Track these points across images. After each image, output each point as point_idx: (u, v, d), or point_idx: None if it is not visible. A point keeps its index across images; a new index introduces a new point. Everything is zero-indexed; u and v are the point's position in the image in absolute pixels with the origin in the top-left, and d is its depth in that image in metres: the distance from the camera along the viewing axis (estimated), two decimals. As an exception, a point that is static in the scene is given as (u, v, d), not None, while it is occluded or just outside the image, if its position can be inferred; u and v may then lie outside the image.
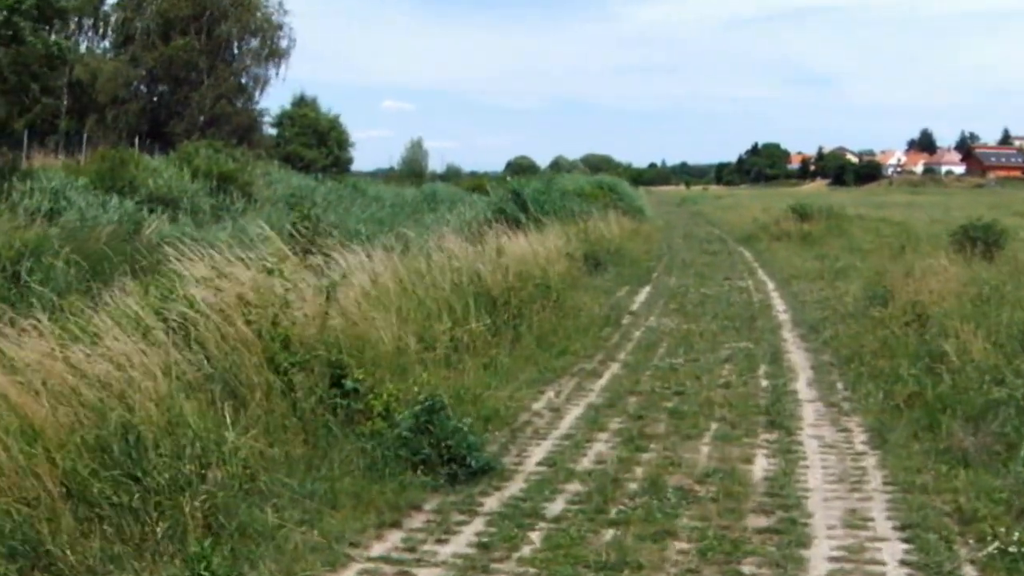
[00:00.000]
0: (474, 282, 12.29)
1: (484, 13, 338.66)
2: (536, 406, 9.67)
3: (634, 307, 16.57)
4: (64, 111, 45.96)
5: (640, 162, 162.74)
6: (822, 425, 8.94)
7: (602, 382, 10.83)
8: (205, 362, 7.46)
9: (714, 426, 8.85)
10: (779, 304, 16.93)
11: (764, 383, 10.71)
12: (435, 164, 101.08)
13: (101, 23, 47.64)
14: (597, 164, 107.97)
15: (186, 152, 37.57)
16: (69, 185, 28.05)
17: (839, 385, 10.55)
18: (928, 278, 13.71)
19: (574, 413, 9.41)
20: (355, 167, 78.44)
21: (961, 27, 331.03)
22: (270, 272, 8.72)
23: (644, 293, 18.44)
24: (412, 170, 65.79)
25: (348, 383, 8.00)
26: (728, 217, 43.27)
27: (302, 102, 51.09)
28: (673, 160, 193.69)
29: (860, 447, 8.21)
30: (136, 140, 41.22)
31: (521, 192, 28.43)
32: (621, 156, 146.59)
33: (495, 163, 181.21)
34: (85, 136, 41.11)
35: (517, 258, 15.72)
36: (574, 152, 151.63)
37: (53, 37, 28.09)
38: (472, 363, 10.52)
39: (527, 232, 21.15)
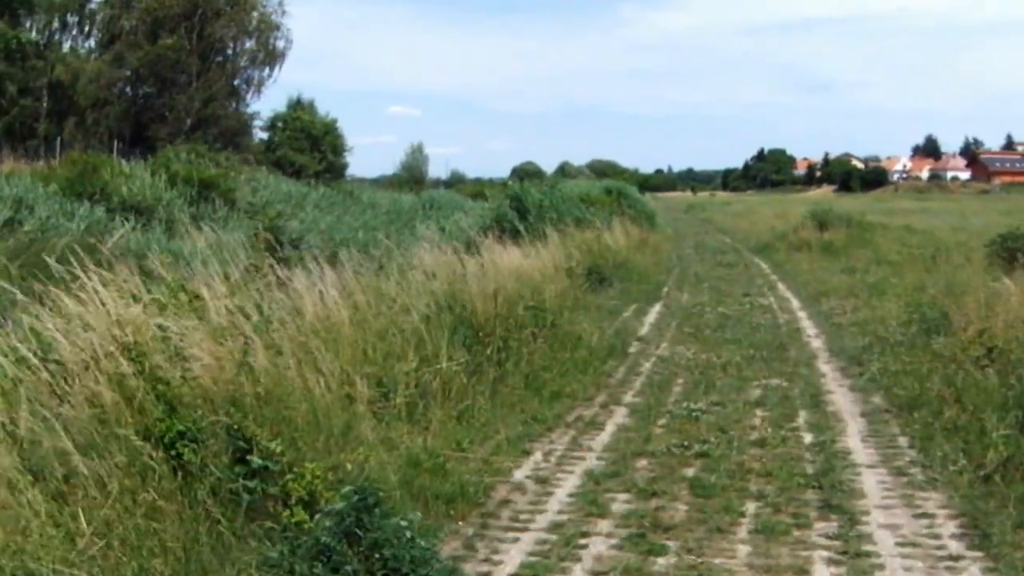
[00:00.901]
0: (453, 308, 10.09)
1: (492, 18, 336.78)
2: (518, 474, 7.46)
3: (643, 331, 14.34)
4: (44, 114, 43.94)
5: (646, 168, 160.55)
6: (894, 507, 6.71)
7: (604, 437, 8.61)
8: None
9: (751, 508, 6.64)
10: (809, 327, 14.71)
11: (807, 438, 8.49)
12: (439, 170, 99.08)
13: (87, 21, 45.54)
14: (603, 170, 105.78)
15: (165, 157, 35.52)
16: (32, 192, 26.05)
17: (903, 442, 8.32)
18: (990, 300, 11.49)
19: (567, 487, 7.19)
20: (362, 173, 76.82)
21: (965, 34, 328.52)
22: (162, 307, 6.59)
23: (654, 313, 16.22)
24: (412, 176, 63.62)
25: (255, 459, 5.84)
26: (740, 225, 40.99)
27: (298, 105, 48.98)
28: (679, 166, 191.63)
29: (954, 545, 5.99)
30: (115, 144, 39.16)
31: (522, 198, 26.28)
32: (627, 162, 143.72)
33: (501, 169, 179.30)
34: (59, 140, 39.07)
35: (509, 275, 13.58)
36: (580, 158, 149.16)
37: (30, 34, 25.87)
38: (442, 413, 8.34)
39: (526, 243, 19.05)
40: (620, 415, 9.41)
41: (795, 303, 17.44)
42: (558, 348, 11.40)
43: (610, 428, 8.92)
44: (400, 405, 8.12)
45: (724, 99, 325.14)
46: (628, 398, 10.12)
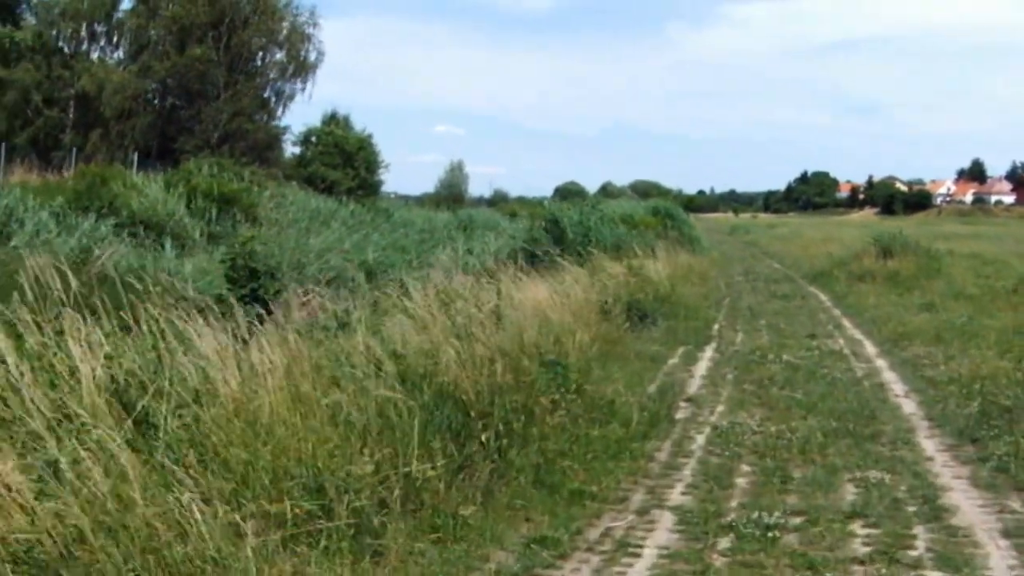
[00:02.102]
0: (432, 378, 7.28)
1: (537, 37, 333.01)
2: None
3: (693, 388, 11.45)
4: (70, 125, 41.87)
5: (688, 189, 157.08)
6: None
7: (640, 570, 5.82)
8: None
9: None
10: (895, 383, 11.75)
11: (940, 587, 5.65)
12: (482, 188, 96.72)
13: (115, 31, 43.46)
14: (646, 190, 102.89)
15: (185, 170, 33.18)
16: (23, 204, 23.72)
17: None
18: None
19: None
20: (407, 191, 74.52)
21: (1016, 55, 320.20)
22: None
23: (706, 360, 13.31)
24: (451, 194, 61.09)
25: None
26: (789, 249, 37.81)
27: (333, 120, 46.63)
28: (721, 187, 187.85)
29: None
30: (135, 156, 36.88)
31: (559, 220, 23.51)
32: (669, 183, 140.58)
33: (544, 188, 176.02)
34: (75, 151, 36.88)
35: (530, 317, 10.84)
36: (623, 178, 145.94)
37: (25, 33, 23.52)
38: (405, 541, 5.60)
39: (560, 270, 16.31)
40: (664, 529, 6.57)
41: (870, 348, 14.48)
42: (584, 422, 8.57)
43: (650, 554, 6.09)
44: (344, 529, 5.37)
45: (767, 120, 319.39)
46: (675, 497, 7.27)
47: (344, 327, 11.14)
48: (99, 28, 43.23)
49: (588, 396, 9.31)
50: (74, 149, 40.42)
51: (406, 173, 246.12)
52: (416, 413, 6.38)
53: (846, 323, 17.29)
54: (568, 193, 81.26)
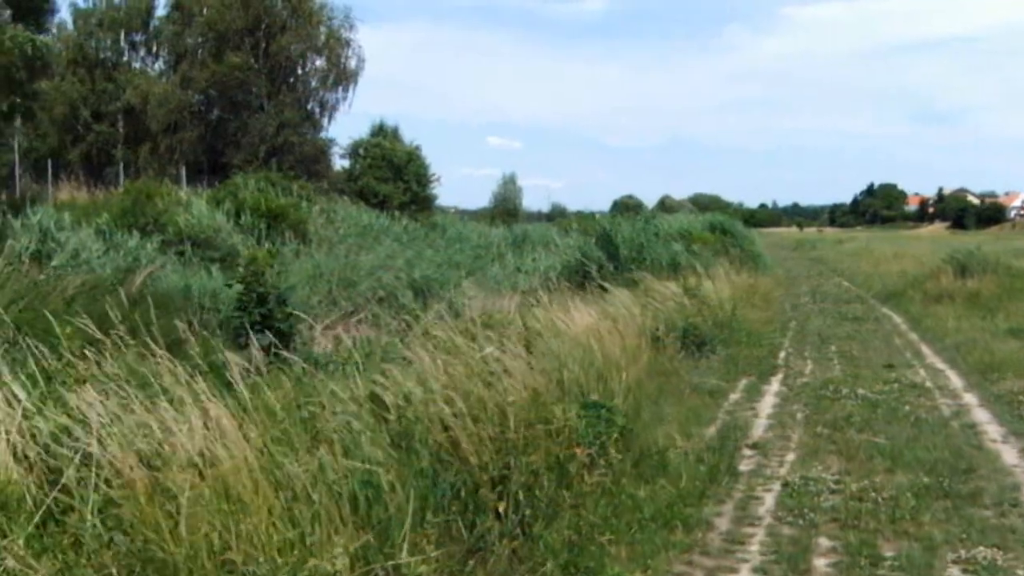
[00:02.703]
0: (426, 440, 6.00)
1: (592, 45, 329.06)
2: None
3: (757, 430, 10.05)
4: (121, 140, 41.46)
5: (750, 202, 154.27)
6: None
7: None
8: None
9: None
10: (989, 424, 10.22)
11: None
12: (540, 202, 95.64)
13: (153, 40, 43.04)
14: (706, 204, 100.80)
15: (232, 185, 32.42)
16: (58, 223, 23.02)
17: None
18: None
19: None
20: (465, 205, 73.45)
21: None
22: None
23: (771, 396, 11.88)
24: (505, 208, 59.88)
25: None
26: (859, 267, 35.89)
27: (381, 132, 45.70)
28: (784, 201, 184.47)
29: None
30: (183, 171, 36.25)
31: (612, 235, 22.19)
32: (730, 196, 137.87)
33: (602, 202, 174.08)
34: (122, 167, 36.35)
35: (570, 349, 9.58)
36: (682, 191, 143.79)
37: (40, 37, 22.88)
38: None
39: (609, 291, 15.04)
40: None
41: (956, 380, 12.94)
42: (629, 480, 7.26)
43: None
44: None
45: (832, 130, 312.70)
46: (739, 583, 5.94)
47: (368, 356, 10.01)
48: (137, 38, 42.87)
49: (635, 445, 7.98)
50: (121, 164, 40.03)
51: (461, 186, 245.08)
52: (410, 481, 5.13)
53: (925, 350, 15.72)
54: (626, 207, 79.50)
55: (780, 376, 13.20)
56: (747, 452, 9.06)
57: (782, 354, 15.20)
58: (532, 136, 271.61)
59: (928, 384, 12.51)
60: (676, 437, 8.64)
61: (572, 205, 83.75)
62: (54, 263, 20.56)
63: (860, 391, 11.77)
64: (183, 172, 36.75)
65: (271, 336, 11.07)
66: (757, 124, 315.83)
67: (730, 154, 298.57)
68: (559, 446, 7.03)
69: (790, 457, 8.91)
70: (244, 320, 11.12)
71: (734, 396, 11.66)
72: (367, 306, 24.06)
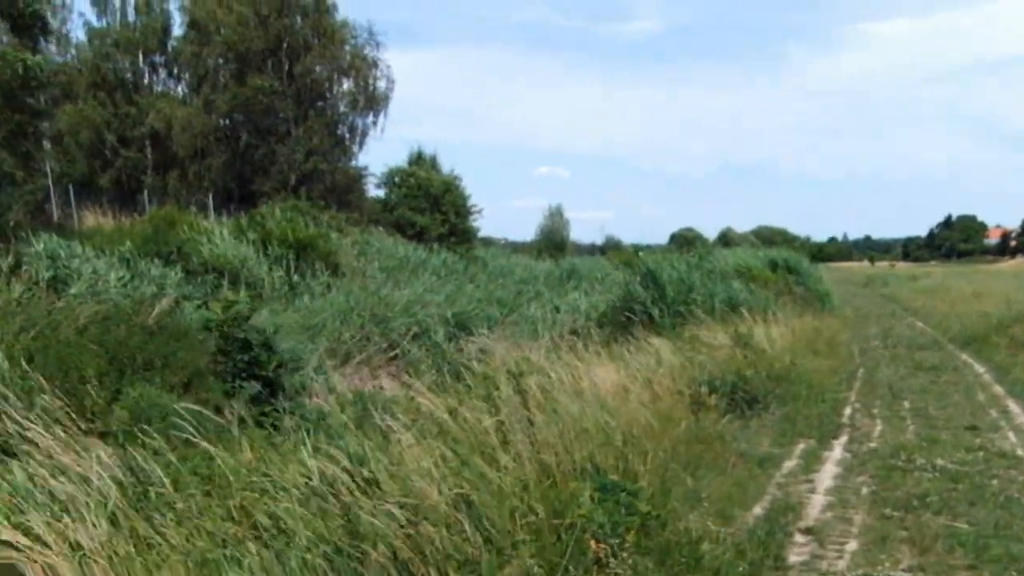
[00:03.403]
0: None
1: (644, 67, 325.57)
2: None
3: (813, 510, 8.81)
4: (150, 166, 41.23)
5: (818, 235, 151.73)
6: None
7: None
8: None
9: None
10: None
11: None
12: (593, 235, 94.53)
13: (173, 61, 42.82)
14: (770, 237, 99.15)
15: (258, 214, 31.86)
16: (73, 251, 22.57)
17: None
18: None
19: None
20: (515, 237, 72.61)
21: None
22: None
23: (831, 466, 10.61)
24: (551, 241, 58.87)
25: None
26: (935, 306, 34.14)
27: (419, 160, 45.10)
28: (855, 233, 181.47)
29: None
30: (211, 199, 35.79)
31: (657, 274, 21.03)
32: (797, 228, 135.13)
33: (659, 235, 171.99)
34: (146, 194, 35.96)
35: (590, 409, 8.52)
36: (745, 223, 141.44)
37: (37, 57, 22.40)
38: None
39: (655, 335, 13.99)
40: None
41: (1050, 446, 11.62)
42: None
43: None
44: None
45: (906, 157, 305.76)
46: None
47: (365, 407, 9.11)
48: (157, 59, 42.73)
49: (662, 535, 6.84)
50: (147, 192, 39.79)
51: (512, 218, 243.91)
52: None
53: (1014, 407, 14.33)
54: (684, 240, 78.29)
55: (844, 439, 11.93)
56: (799, 539, 7.86)
57: (847, 411, 13.91)
58: (584, 165, 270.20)
59: (1020, 452, 11.18)
60: (713, 521, 7.46)
61: (627, 238, 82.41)
62: (72, 291, 20.08)
63: (938, 461, 10.48)
64: (211, 200, 36.31)
65: (258, 386, 10.15)
66: (824, 150, 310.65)
67: (796, 183, 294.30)
68: (566, 541, 5.95)
69: (851, 546, 7.70)
70: (227, 366, 10.18)
71: (788, 465, 10.43)
72: (400, 343, 23.26)
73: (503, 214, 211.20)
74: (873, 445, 11.55)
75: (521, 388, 10.04)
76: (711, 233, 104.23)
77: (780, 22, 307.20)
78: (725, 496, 8.59)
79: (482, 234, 66.25)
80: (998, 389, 16.20)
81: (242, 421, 8.87)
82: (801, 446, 11.39)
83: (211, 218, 33.79)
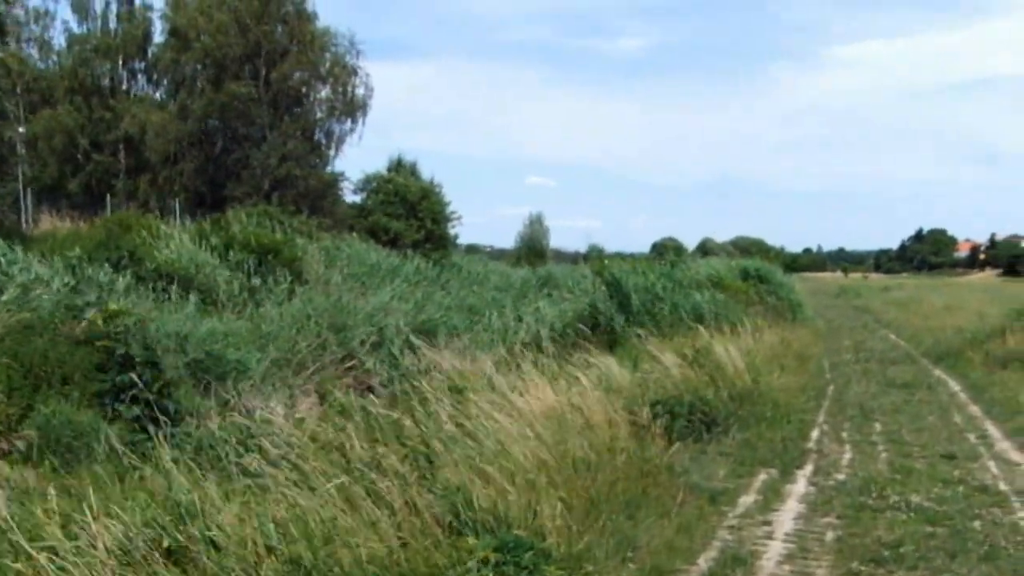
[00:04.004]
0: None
1: (632, 82, 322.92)
2: None
3: (768, 562, 7.21)
4: (123, 171, 39.57)
5: (794, 247, 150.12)
6: None
7: None
8: None
9: None
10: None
11: None
12: (579, 243, 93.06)
13: (152, 68, 41.26)
14: (747, 247, 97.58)
15: (222, 219, 30.21)
16: (13, 256, 20.86)
17: None
18: None
19: None
20: (500, 245, 71.12)
21: None
22: None
23: (793, 503, 9.03)
24: (531, 248, 57.30)
25: None
26: (907, 319, 32.62)
27: (399, 167, 43.52)
28: (829, 245, 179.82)
29: None
30: (177, 204, 34.17)
31: (621, 284, 19.51)
32: (774, 240, 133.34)
33: (642, 243, 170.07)
34: (108, 199, 34.29)
35: (512, 440, 7.00)
36: (725, 234, 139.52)
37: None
38: None
39: (622, 348, 12.52)
40: None
41: (1039, 481, 10.11)
42: None
43: None
44: None
45: (881, 173, 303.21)
46: None
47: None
48: (137, 65, 41.18)
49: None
50: (108, 197, 38.16)
51: (499, 226, 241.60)
52: None
53: (993, 431, 12.82)
54: (666, 249, 76.75)
55: (809, 469, 10.39)
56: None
57: (814, 434, 12.37)
58: (571, 176, 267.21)
59: (1002, 487, 9.66)
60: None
61: (612, 246, 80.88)
62: (3, 298, 18.48)
63: (913, 497, 8.95)
64: (177, 204, 34.66)
65: (137, 409, 8.58)
66: (802, 165, 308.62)
67: (775, 196, 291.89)
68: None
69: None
70: (108, 385, 8.58)
71: (745, 501, 8.87)
72: (359, 353, 21.66)
73: (494, 222, 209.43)
74: (841, 477, 10.01)
75: (447, 411, 8.56)
76: (692, 243, 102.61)
77: (762, 43, 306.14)
78: (666, 545, 7.04)
79: (471, 241, 64.74)
80: (975, 409, 14.70)
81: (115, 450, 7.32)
82: (762, 477, 9.84)
83: (176, 222, 32.13)
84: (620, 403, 10.28)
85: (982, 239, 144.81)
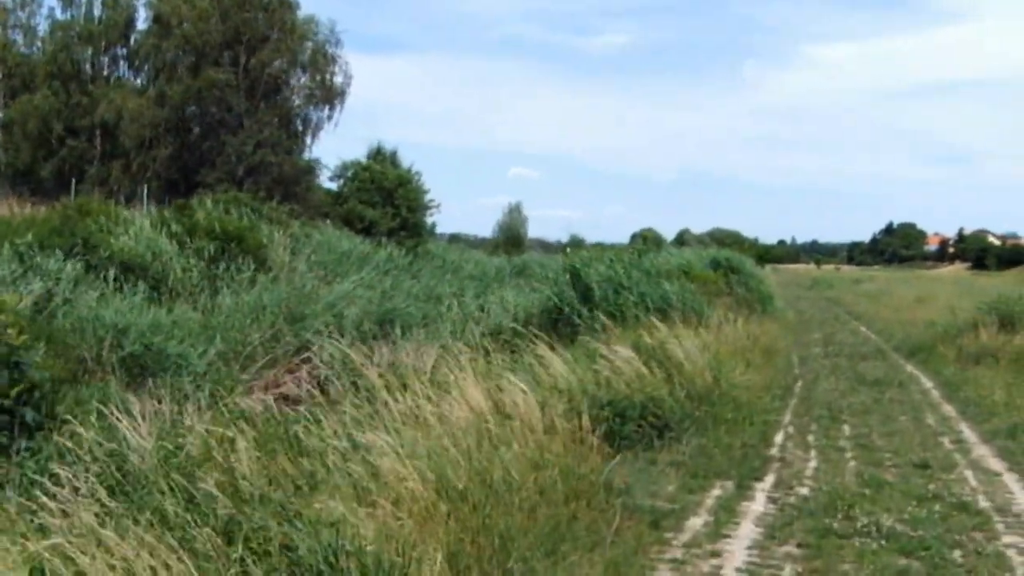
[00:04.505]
0: None
1: (614, 79, 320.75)
2: None
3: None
4: (97, 156, 38.00)
5: (769, 239, 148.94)
6: None
7: None
8: None
9: None
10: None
11: None
12: (560, 233, 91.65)
13: (135, 55, 39.75)
14: (723, 239, 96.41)
15: (185, 205, 28.68)
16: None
17: None
18: None
19: None
20: (483, 235, 69.83)
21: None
22: None
23: (748, 525, 7.65)
24: (508, 237, 55.93)
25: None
26: (878, 311, 31.32)
27: (378, 155, 42.07)
28: (803, 238, 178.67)
29: None
30: (145, 190, 32.64)
31: (582, 274, 18.15)
32: (750, 232, 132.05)
33: (622, 234, 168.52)
34: (74, 184, 32.81)
35: (406, 456, 5.62)
36: (703, 226, 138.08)
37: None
38: None
39: (556, 352, 11.21)
40: None
41: (1015, 486, 8.82)
42: None
43: None
44: None
45: (853, 169, 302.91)
46: None
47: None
48: (119, 51, 39.68)
49: None
50: (73, 182, 36.60)
51: (483, 215, 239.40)
52: None
53: (969, 435, 11.52)
54: (644, 240, 75.57)
55: (770, 481, 9.04)
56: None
57: (778, 439, 11.03)
58: (554, 168, 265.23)
59: (983, 503, 8.35)
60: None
61: (593, 236, 79.59)
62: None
63: (883, 519, 7.61)
64: (145, 190, 33.12)
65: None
66: (778, 160, 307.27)
67: (751, 190, 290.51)
68: None
69: None
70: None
71: (693, 524, 7.51)
72: (313, 345, 20.22)
73: (480, 212, 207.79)
74: (804, 491, 8.66)
75: (352, 416, 7.21)
76: (671, 234, 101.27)
77: (738, 42, 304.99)
78: (590, 587, 5.68)
79: (456, 231, 63.28)
80: (948, 409, 13.41)
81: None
82: (716, 492, 8.49)
83: (144, 208, 30.59)
84: (562, 406, 8.92)
85: (950, 233, 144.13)
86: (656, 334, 12.01)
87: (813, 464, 9.79)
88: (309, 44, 38.58)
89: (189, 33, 35.90)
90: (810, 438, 11.13)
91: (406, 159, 43.68)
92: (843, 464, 9.78)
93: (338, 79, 39.84)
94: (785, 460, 9.95)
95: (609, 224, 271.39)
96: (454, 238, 64.25)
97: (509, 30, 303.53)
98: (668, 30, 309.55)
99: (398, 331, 19.42)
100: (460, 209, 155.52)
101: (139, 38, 40.13)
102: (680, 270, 23.28)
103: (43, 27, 42.57)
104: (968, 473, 9.49)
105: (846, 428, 11.77)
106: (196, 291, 23.34)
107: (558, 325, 17.04)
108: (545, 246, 68.91)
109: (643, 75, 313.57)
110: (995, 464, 9.92)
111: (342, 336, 21.35)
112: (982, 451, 10.56)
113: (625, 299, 17.53)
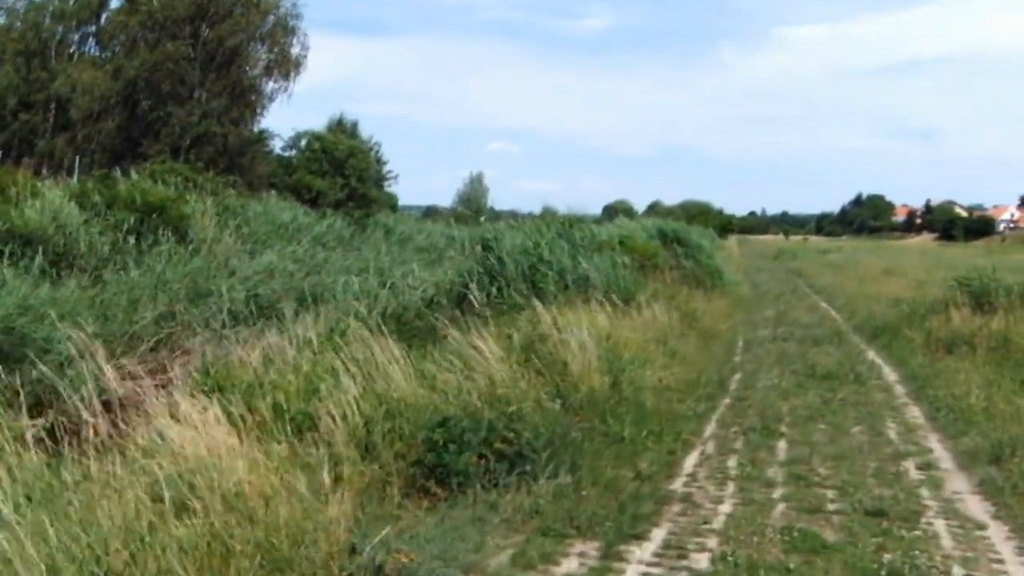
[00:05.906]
0: None
1: (593, 61, 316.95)
2: None
3: None
4: (49, 130, 34.83)
5: (741, 211, 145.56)
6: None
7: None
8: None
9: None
10: None
11: None
12: (534, 205, 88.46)
13: (103, 32, 36.77)
14: (694, 210, 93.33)
15: (106, 175, 25.50)
16: None
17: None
18: None
19: None
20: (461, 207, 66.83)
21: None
22: None
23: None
24: (468, 208, 52.68)
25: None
26: (841, 284, 28.07)
27: (339, 126, 38.84)
28: (774, 209, 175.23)
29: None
30: (76, 163, 29.56)
31: (494, 246, 15.00)
32: (723, 204, 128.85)
33: (596, 206, 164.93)
34: (13, 155, 29.91)
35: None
36: (675, 198, 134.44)
37: None
38: None
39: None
40: None
41: (1005, 547, 5.76)
42: None
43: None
44: None
45: (823, 144, 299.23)
46: None
47: None
48: (90, 29, 36.67)
49: None
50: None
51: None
52: None
53: (941, 455, 8.48)
54: (615, 211, 72.69)
55: (657, 541, 5.96)
56: None
57: (689, 463, 7.94)
58: (532, 143, 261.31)
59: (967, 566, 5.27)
60: None
61: (565, 209, 76.61)
62: None
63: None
64: (77, 161, 29.85)
65: None
66: (750, 136, 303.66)
67: (725, 165, 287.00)
68: None
69: None
70: None
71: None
72: (213, 326, 17.02)
73: (455, 185, 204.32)
74: (702, 564, 5.56)
75: None
76: (643, 206, 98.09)
77: (713, 26, 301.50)
78: None
79: (428, 203, 60.09)
80: (915, 414, 10.35)
81: None
82: (565, 567, 5.39)
83: (75, 179, 27.49)
84: (388, 425, 5.81)
85: (918, 205, 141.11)
86: (541, 322, 8.85)
87: (726, 509, 6.70)
88: (271, 18, 35.51)
89: (153, 9, 32.91)
90: (731, 463, 8.03)
91: (379, 133, 40.90)
92: (768, 509, 6.70)
93: (295, 50, 36.84)
94: (690, 501, 6.85)
95: (585, 196, 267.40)
96: (430, 210, 61.28)
97: (493, 14, 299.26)
98: (646, 14, 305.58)
99: (288, 312, 16.31)
100: (440, 183, 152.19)
101: (110, 15, 37.14)
102: (620, 242, 20.12)
103: (19, 6, 39.67)
104: (940, 525, 6.42)
105: (781, 446, 8.67)
106: (102, 266, 20.24)
107: (463, 305, 13.96)
108: (518, 217, 65.76)
109: (622, 57, 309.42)
110: (975, 508, 6.87)
111: (234, 319, 18.07)
112: (958, 484, 7.51)
113: (543, 275, 14.41)
